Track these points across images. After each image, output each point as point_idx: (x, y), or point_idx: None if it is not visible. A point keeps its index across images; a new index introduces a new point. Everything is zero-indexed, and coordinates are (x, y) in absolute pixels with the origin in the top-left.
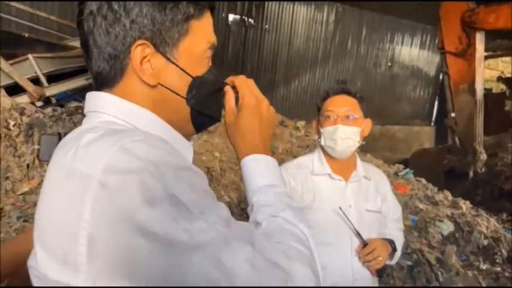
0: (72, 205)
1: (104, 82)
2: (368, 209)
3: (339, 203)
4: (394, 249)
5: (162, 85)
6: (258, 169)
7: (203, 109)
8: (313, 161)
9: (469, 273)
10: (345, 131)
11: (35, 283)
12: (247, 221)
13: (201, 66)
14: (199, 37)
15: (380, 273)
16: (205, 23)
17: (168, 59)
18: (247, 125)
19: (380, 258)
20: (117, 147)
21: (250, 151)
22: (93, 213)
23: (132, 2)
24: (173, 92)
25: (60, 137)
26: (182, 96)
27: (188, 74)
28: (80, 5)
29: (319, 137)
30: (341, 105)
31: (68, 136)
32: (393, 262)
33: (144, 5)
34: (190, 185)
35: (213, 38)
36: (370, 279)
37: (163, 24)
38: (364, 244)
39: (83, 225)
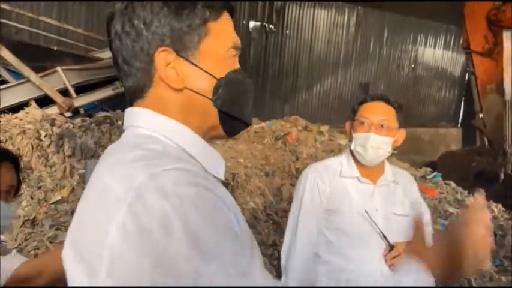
0: (103, 223)
1: (135, 95)
2: (395, 213)
3: (366, 206)
4: None
5: (189, 88)
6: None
7: (231, 111)
8: (342, 163)
9: (503, 278)
10: (377, 140)
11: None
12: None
13: (225, 67)
14: (220, 38)
15: None
16: (224, 24)
17: (191, 62)
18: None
19: None
20: (148, 174)
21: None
22: (117, 236)
23: (150, 15)
24: (199, 94)
25: None
26: (208, 98)
27: (212, 75)
28: (107, 27)
29: (350, 141)
30: (377, 113)
31: (111, 148)
32: None
33: (162, 16)
34: (214, 225)
35: (234, 38)
36: None
37: (182, 30)
38: (391, 247)
39: (107, 245)
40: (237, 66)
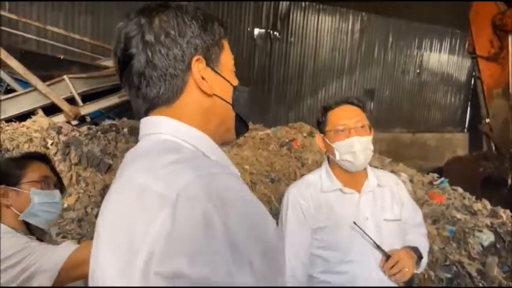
0: (144, 220)
1: (160, 102)
2: (386, 219)
3: (355, 217)
4: (420, 257)
5: (216, 95)
6: None
7: (243, 114)
8: (321, 177)
9: None
10: (362, 141)
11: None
12: None
13: (234, 78)
14: (229, 52)
15: (409, 283)
16: (228, 43)
17: (215, 71)
18: None
19: (406, 270)
20: (194, 176)
21: None
22: (159, 233)
23: (184, 27)
24: (223, 100)
25: None
26: (230, 103)
27: (230, 83)
28: (125, 44)
29: (326, 153)
30: (350, 116)
31: (132, 155)
32: (420, 270)
33: (194, 28)
34: (255, 235)
35: (232, 55)
36: None
37: (209, 42)
38: (387, 257)
39: (147, 241)
40: None
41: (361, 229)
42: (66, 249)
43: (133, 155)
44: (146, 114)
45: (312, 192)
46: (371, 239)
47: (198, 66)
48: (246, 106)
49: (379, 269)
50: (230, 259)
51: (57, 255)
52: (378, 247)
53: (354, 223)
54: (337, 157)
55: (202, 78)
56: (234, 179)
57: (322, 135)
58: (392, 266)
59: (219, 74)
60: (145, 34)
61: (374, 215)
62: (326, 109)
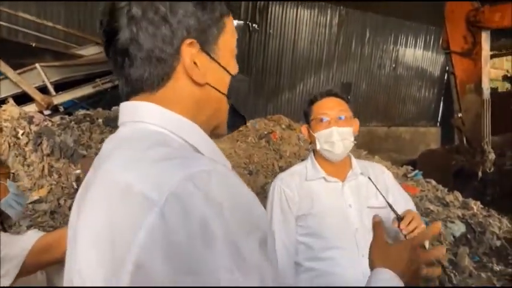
0: (129, 225)
1: (145, 87)
2: (370, 206)
3: (338, 204)
4: None
5: (209, 84)
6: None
7: (239, 107)
8: (307, 167)
9: (483, 274)
10: (340, 132)
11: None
12: None
13: (235, 63)
14: (231, 33)
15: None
16: (232, 20)
17: (211, 57)
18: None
19: (423, 226)
20: (184, 175)
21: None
22: (147, 242)
23: (177, 4)
24: (218, 90)
25: None
26: (224, 94)
27: (228, 71)
28: (110, 14)
29: (311, 142)
30: (332, 107)
31: (113, 144)
32: None
33: (188, 5)
34: (255, 236)
35: (236, 35)
36: None
37: (206, 23)
38: (398, 218)
39: (133, 250)
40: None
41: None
42: (32, 236)
43: (113, 145)
44: (127, 98)
45: (296, 181)
46: (394, 211)
47: (190, 51)
48: (240, 99)
49: (362, 255)
50: (234, 267)
51: (22, 241)
52: (391, 207)
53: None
54: (318, 146)
55: (195, 64)
56: (228, 175)
57: (307, 125)
58: (410, 223)
59: (216, 61)
60: (132, 7)
61: (357, 202)
62: (312, 101)
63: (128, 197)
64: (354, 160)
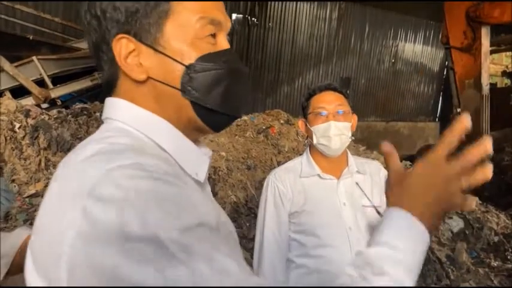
0: (60, 225)
1: (109, 86)
2: (365, 205)
3: (332, 202)
4: None
5: (153, 78)
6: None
7: (207, 103)
8: (302, 163)
9: (480, 270)
10: (338, 126)
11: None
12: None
13: (196, 50)
14: (187, 15)
15: None
16: (190, 2)
17: (154, 48)
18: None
19: None
20: (104, 171)
21: (408, 209)
22: (75, 240)
23: (106, 1)
24: (165, 84)
25: None
26: (176, 88)
27: (179, 61)
28: (84, 11)
29: (308, 137)
30: (330, 101)
31: (84, 141)
32: None
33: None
34: (182, 223)
35: (207, 12)
36: None
37: (138, 12)
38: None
39: (64, 250)
40: (221, 47)
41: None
42: (21, 233)
43: (83, 142)
44: (109, 93)
45: (290, 177)
46: (380, 215)
47: (126, 47)
48: (209, 91)
49: (354, 254)
50: (157, 257)
51: (11, 239)
52: (378, 212)
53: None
54: (315, 141)
55: (138, 59)
56: (147, 169)
57: (304, 119)
58: None
59: (160, 52)
60: (92, 5)
61: (351, 200)
62: (310, 94)
63: (59, 196)
64: (350, 157)
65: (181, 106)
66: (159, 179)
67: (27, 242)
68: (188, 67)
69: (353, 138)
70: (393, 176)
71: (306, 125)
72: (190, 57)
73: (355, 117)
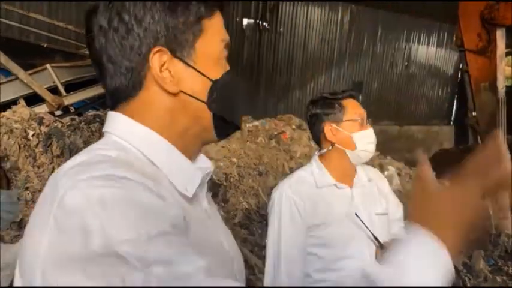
0: (38, 234)
1: (120, 98)
2: (377, 213)
3: (348, 211)
4: None
5: (184, 92)
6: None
7: (225, 114)
8: (313, 173)
9: (498, 278)
10: (373, 133)
11: None
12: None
13: (220, 67)
14: (214, 36)
15: None
16: (217, 21)
17: (187, 63)
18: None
19: None
20: (73, 181)
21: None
22: (47, 250)
23: (142, 10)
24: (195, 98)
25: None
26: (204, 102)
27: (208, 77)
28: (86, 23)
29: (334, 144)
30: (360, 108)
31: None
32: None
33: (155, 11)
34: (143, 231)
35: (227, 36)
36: None
37: (177, 28)
38: (382, 247)
39: (39, 260)
40: (228, 66)
41: (362, 221)
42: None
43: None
44: (113, 107)
45: (306, 188)
46: (368, 229)
47: (160, 59)
48: (228, 104)
49: (374, 262)
50: (116, 266)
51: (15, 249)
52: (376, 238)
53: (356, 215)
54: (358, 147)
55: (169, 72)
56: (118, 180)
57: (333, 124)
58: None
59: (192, 67)
60: (99, 17)
61: (366, 209)
62: (337, 98)
63: (40, 207)
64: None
65: (201, 118)
66: (127, 188)
67: None
68: (215, 83)
69: None
70: (423, 188)
71: (337, 130)
72: (215, 73)
73: None
